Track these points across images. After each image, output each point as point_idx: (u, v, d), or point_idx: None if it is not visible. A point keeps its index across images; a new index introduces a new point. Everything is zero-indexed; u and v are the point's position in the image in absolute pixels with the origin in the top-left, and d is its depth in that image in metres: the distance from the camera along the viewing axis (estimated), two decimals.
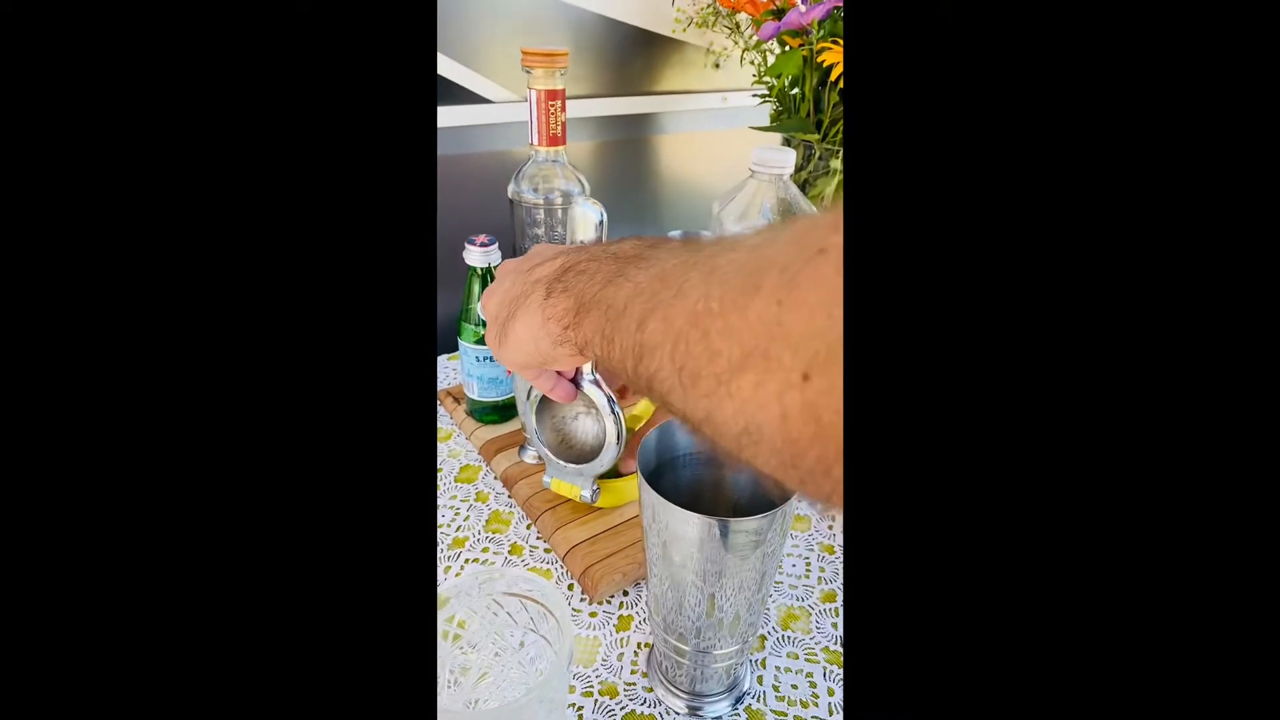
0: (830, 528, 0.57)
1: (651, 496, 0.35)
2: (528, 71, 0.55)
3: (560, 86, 0.56)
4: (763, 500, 0.41)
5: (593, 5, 0.80)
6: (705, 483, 0.42)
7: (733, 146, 1.00)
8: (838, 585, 0.51)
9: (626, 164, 0.91)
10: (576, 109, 0.82)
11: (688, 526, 0.34)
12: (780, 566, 0.53)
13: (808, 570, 0.53)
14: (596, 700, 0.43)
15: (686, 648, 0.40)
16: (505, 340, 0.31)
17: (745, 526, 0.34)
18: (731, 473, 0.42)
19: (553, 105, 0.57)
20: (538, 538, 0.55)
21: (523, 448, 0.61)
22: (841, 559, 0.54)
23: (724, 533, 0.34)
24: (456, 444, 0.65)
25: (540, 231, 0.61)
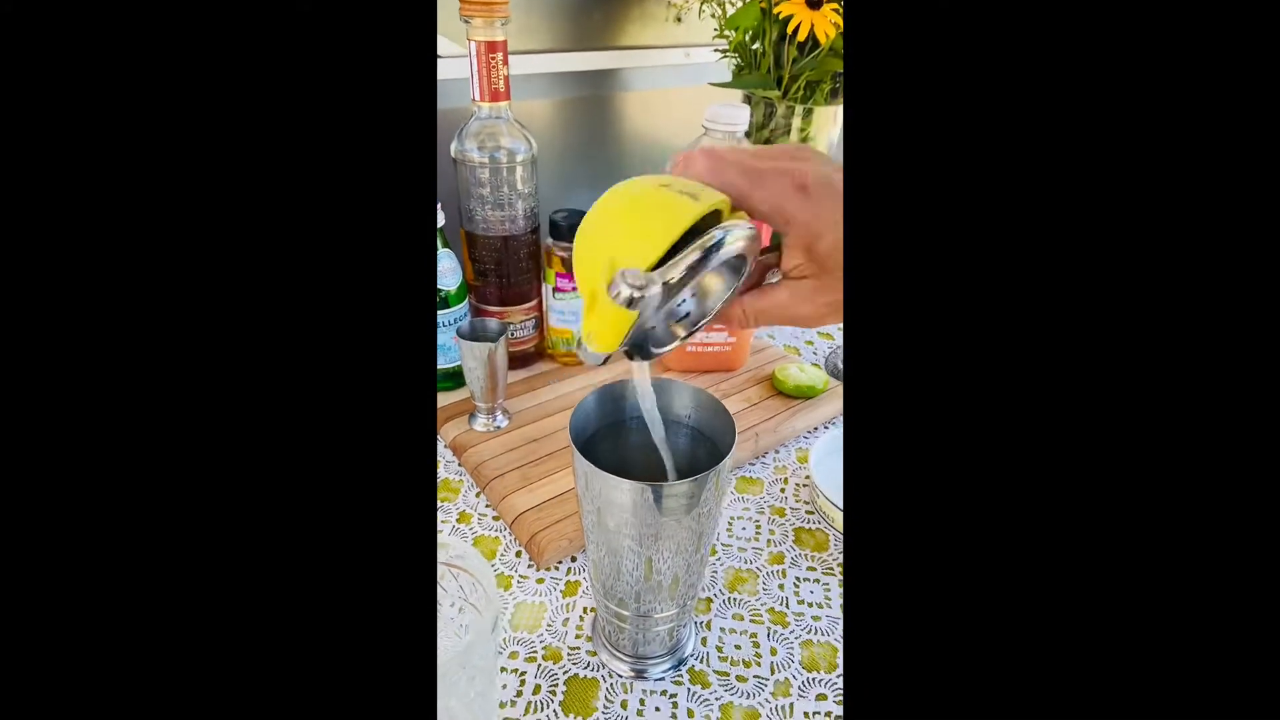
0: (782, 490, 0.57)
1: (585, 465, 0.34)
2: (466, 21, 0.53)
3: (501, 38, 0.54)
4: (701, 463, 0.40)
5: None
6: (649, 448, 0.42)
7: (696, 104, 0.97)
8: (786, 547, 0.52)
9: (585, 122, 0.88)
10: (531, 64, 0.79)
11: (619, 492, 0.33)
12: (730, 529, 0.53)
13: (757, 533, 0.53)
14: (540, 665, 0.43)
15: (627, 613, 0.40)
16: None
17: (677, 490, 0.33)
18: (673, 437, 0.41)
19: (493, 58, 0.54)
20: (486, 505, 0.54)
21: (473, 415, 0.60)
22: (790, 523, 0.54)
23: (657, 497, 0.33)
24: None
25: (485, 191, 0.59)
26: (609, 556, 0.37)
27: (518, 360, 0.67)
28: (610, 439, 0.40)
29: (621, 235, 0.27)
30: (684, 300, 0.32)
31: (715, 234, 0.26)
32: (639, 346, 0.33)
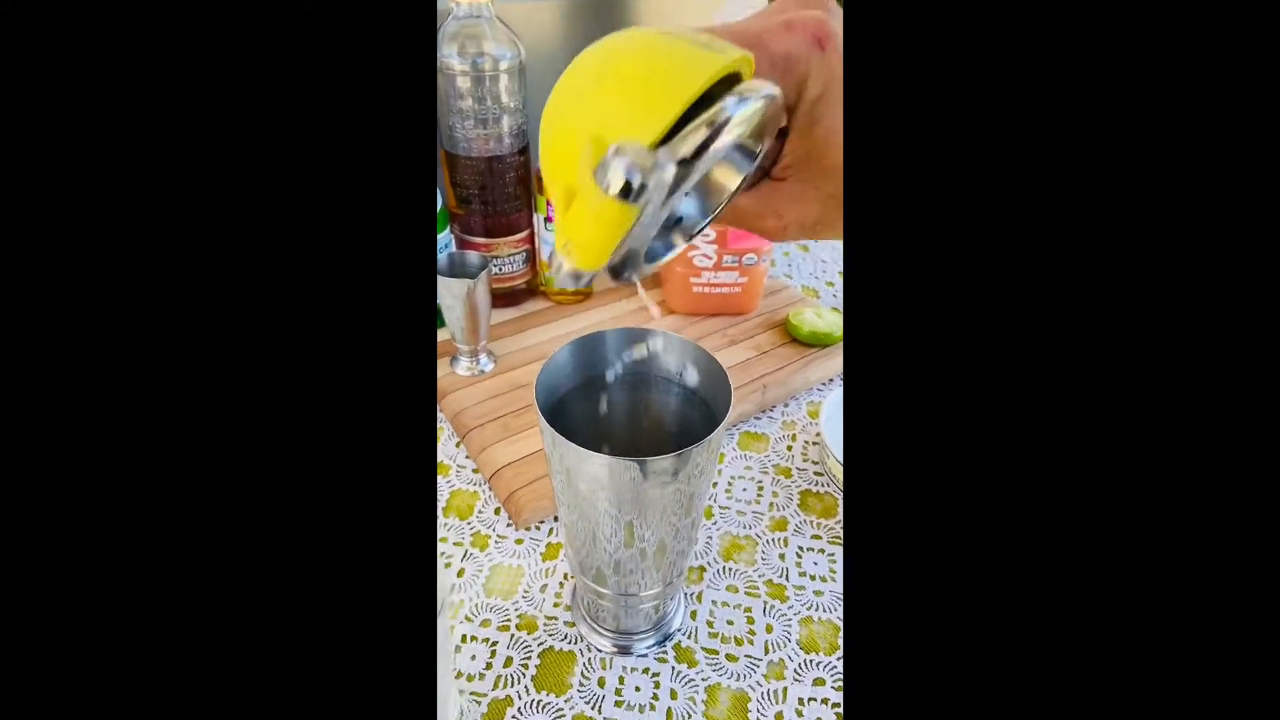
0: (789, 449, 0.52)
1: (553, 435, 0.29)
2: None
3: None
4: (694, 427, 0.35)
5: None
6: (633, 404, 0.37)
7: (706, 4, 0.87)
8: (790, 512, 0.47)
9: (581, 25, 0.79)
10: None
11: (594, 466, 0.29)
12: (729, 490, 0.48)
13: (759, 495, 0.48)
14: (513, 635, 0.39)
15: (606, 590, 0.36)
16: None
17: (660, 465, 0.28)
18: (661, 394, 0.36)
19: None
20: (466, 457, 0.50)
21: (454, 359, 0.55)
22: (797, 485, 0.49)
23: (640, 472, 0.28)
24: None
25: (467, 105, 0.51)
26: (582, 522, 0.33)
27: (506, 298, 0.62)
28: (588, 399, 0.35)
29: (611, 101, 0.19)
30: (685, 193, 0.24)
31: (736, 99, 0.18)
32: (629, 260, 0.24)
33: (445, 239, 0.55)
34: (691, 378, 0.34)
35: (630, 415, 0.37)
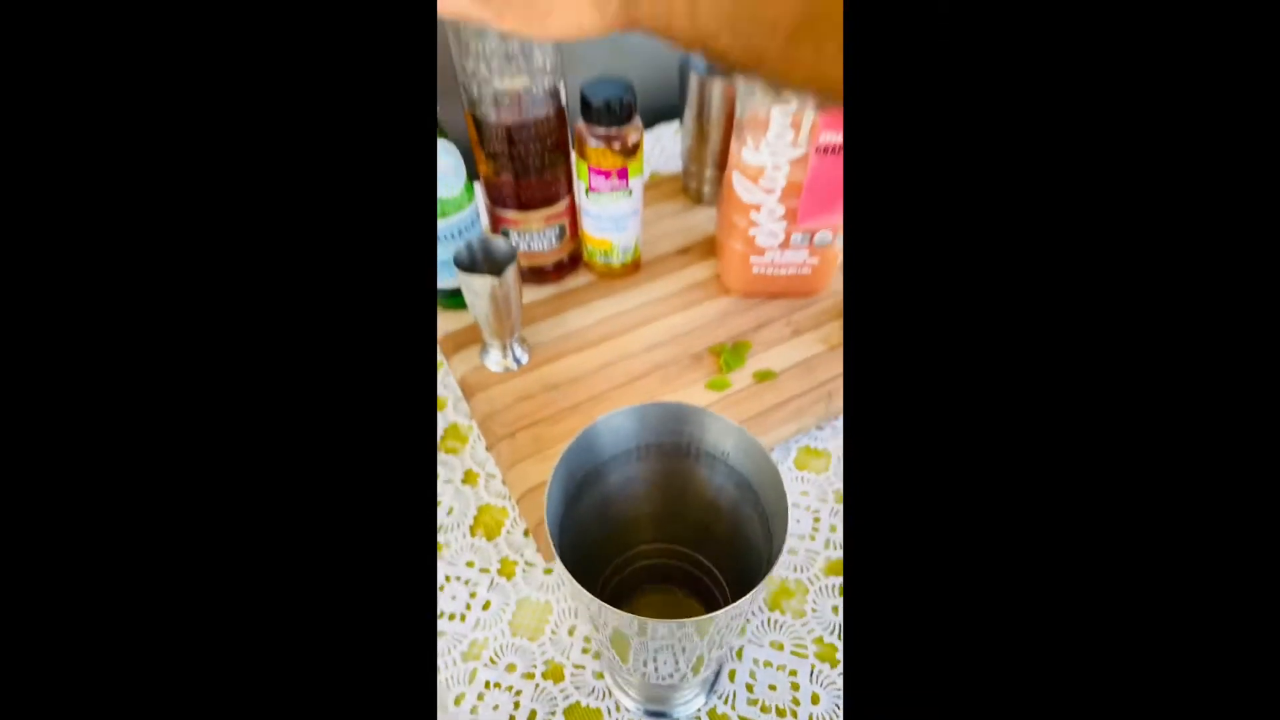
0: None
1: (583, 594, 0.24)
2: None
3: None
4: (743, 517, 0.30)
5: None
6: (633, 482, 0.31)
7: None
8: None
9: None
10: None
11: (618, 620, 0.24)
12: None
13: (814, 528, 0.43)
14: (538, 685, 0.37)
15: (635, 697, 0.32)
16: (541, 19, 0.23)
17: (701, 626, 0.23)
18: (697, 466, 0.30)
19: None
20: (496, 465, 0.46)
21: (484, 350, 0.50)
22: None
23: (640, 633, 0.24)
24: None
25: (493, 56, 0.43)
26: (609, 653, 0.29)
27: (543, 275, 0.56)
28: (590, 491, 0.30)
29: None
30: None
31: None
32: None
33: (469, 215, 0.49)
34: (738, 460, 0.29)
35: (628, 491, 0.32)
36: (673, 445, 0.30)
